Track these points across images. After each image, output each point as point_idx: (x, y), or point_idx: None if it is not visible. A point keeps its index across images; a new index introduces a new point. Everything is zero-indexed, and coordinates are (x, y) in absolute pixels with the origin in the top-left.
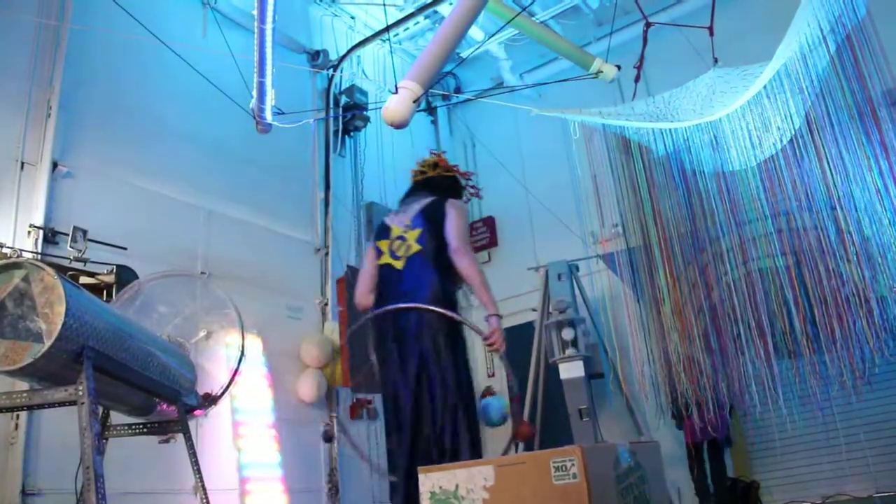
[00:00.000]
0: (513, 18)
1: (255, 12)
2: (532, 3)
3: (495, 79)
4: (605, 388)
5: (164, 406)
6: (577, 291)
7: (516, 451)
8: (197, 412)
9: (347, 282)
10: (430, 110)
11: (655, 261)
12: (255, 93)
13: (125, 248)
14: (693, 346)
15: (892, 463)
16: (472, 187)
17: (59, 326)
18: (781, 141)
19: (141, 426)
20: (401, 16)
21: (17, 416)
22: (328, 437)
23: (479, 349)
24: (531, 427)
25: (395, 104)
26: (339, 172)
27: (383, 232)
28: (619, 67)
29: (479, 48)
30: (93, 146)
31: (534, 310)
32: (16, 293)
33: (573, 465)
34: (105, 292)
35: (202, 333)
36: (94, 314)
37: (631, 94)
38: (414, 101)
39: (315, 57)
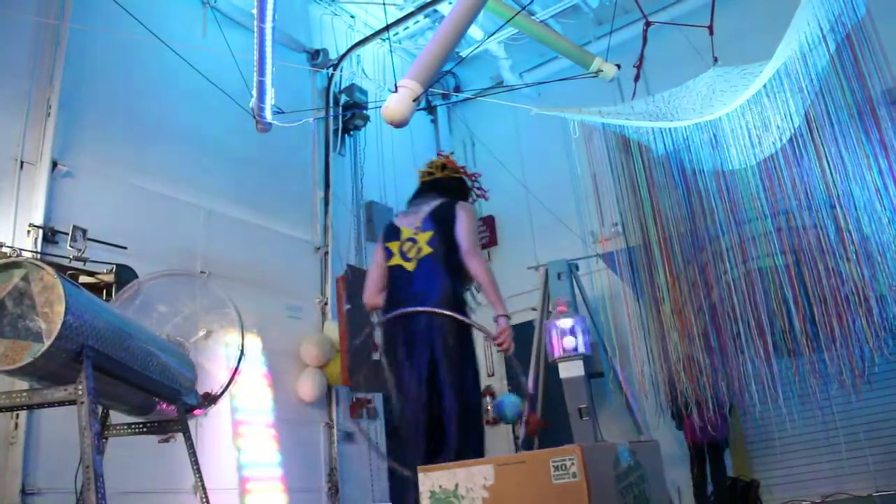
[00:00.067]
0: (512, 17)
1: (254, 11)
2: (531, 3)
3: (495, 78)
4: (605, 388)
5: (164, 405)
6: (576, 290)
7: (530, 444)
8: (197, 411)
9: (347, 281)
10: (430, 109)
11: (655, 260)
12: (254, 92)
13: (125, 248)
14: (693, 346)
15: (891, 462)
16: (479, 188)
17: (58, 326)
18: (781, 140)
19: (141, 425)
20: (400, 15)
21: (17, 416)
22: (351, 439)
23: (480, 349)
24: (541, 420)
25: (395, 103)
26: (338, 171)
27: (393, 233)
28: (618, 66)
29: (478, 47)
30: (92, 145)
31: (533, 309)
32: (15, 292)
33: (573, 464)
34: (105, 292)
35: (202, 333)
36: (94, 313)
37: (631, 94)
38: (414, 100)
39: (315, 56)
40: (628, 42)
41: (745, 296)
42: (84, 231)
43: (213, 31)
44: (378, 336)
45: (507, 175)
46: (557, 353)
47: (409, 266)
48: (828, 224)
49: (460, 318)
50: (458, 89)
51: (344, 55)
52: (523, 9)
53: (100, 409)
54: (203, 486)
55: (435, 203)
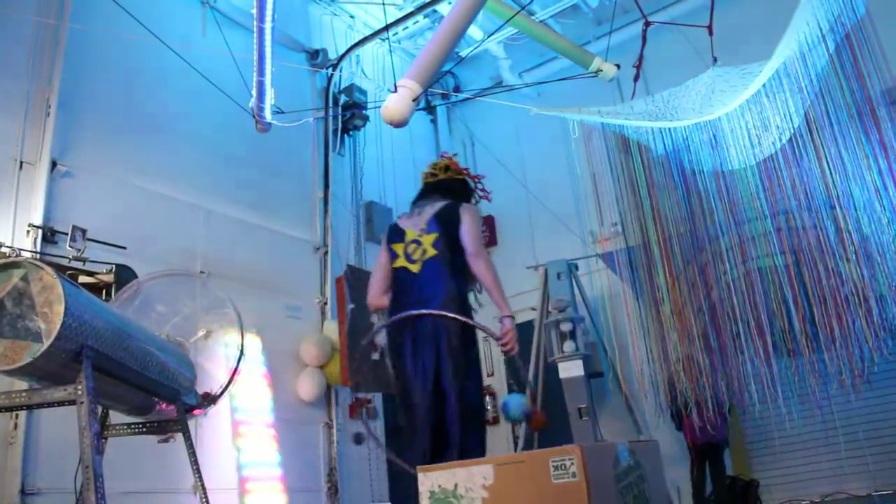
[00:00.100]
0: (512, 17)
1: (254, 11)
2: (531, 2)
3: (494, 78)
4: (605, 387)
5: (164, 405)
6: (576, 290)
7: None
8: (196, 411)
9: (348, 281)
10: (430, 109)
11: (655, 260)
12: (254, 92)
13: (124, 248)
14: (692, 346)
15: (890, 461)
16: (482, 190)
17: (58, 326)
18: (780, 140)
19: (140, 425)
20: (400, 15)
21: (17, 416)
22: (360, 440)
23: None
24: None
25: (395, 103)
26: (338, 171)
27: (397, 235)
28: (618, 66)
29: (478, 47)
30: (92, 145)
31: (533, 309)
32: (15, 292)
33: (572, 463)
34: (104, 291)
35: (201, 333)
36: (94, 313)
37: (630, 94)
38: (413, 100)
39: (314, 56)
40: (628, 42)
41: (745, 296)
42: (83, 231)
43: (213, 31)
44: (379, 337)
45: (507, 175)
46: None
47: (415, 268)
48: (827, 224)
49: (465, 320)
50: (457, 89)
51: (343, 55)
52: (523, 8)
53: (99, 409)
54: (203, 486)
55: (439, 205)
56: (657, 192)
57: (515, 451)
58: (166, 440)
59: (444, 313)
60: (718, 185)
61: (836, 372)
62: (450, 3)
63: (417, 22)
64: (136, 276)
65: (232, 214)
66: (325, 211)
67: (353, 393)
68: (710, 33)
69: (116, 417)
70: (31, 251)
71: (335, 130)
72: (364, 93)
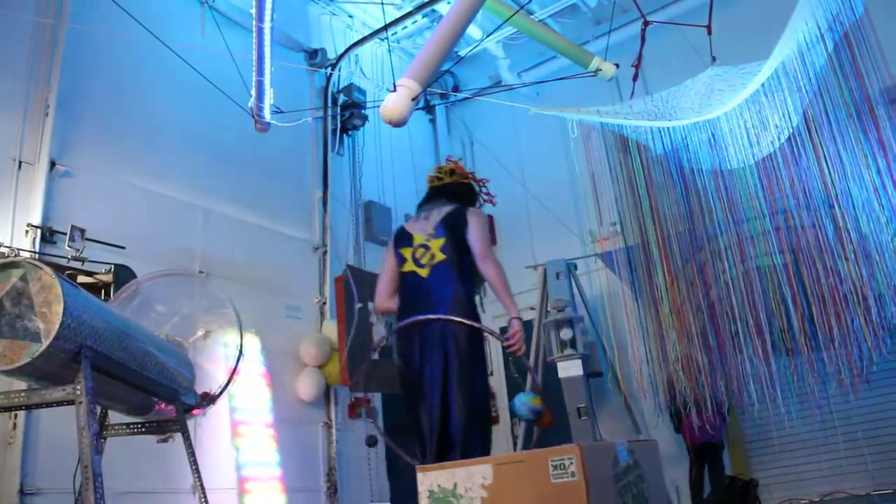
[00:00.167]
0: (511, 16)
1: (253, 11)
2: (530, 2)
3: (493, 77)
4: (604, 387)
5: (163, 405)
6: (575, 290)
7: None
8: (195, 411)
9: (352, 280)
10: (429, 109)
11: (654, 259)
12: (253, 91)
13: (123, 248)
14: (691, 345)
15: (890, 461)
16: (487, 194)
17: (56, 326)
18: (779, 139)
19: (139, 425)
20: (399, 14)
21: (15, 416)
22: (372, 443)
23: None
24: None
25: (394, 102)
26: (337, 171)
27: (405, 239)
28: (617, 66)
29: (477, 46)
30: (91, 145)
31: (532, 308)
32: (14, 292)
33: (571, 463)
34: (103, 291)
35: (200, 333)
36: (93, 313)
37: (629, 93)
38: (412, 100)
39: (313, 55)
40: (627, 42)
41: (744, 295)
42: (82, 231)
43: (212, 31)
44: (377, 334)
45: (506, 174)
46: None
47: (423, 272)
48: (826, 223)
49: (473, 324)
50: (456, 89)
51: (342, 55)
52: (522, 8)
53: (98, 408)
54: (202, 485)
55: (446, 209)
56: (656, 192)
57: (515, 450)
58: (165, 440)
59: (454, 318)
60: (717, 185)
61: (835, 371)
62: (449, 2)
63: (416, 21)
64: (134, 276)
65: (231, 214)
66: (324, 210)
67: (352, 392)
68: (709, 32)
69: (115, 417)
70: (29, 251)
71: (334, 130)
72: (363, 92)
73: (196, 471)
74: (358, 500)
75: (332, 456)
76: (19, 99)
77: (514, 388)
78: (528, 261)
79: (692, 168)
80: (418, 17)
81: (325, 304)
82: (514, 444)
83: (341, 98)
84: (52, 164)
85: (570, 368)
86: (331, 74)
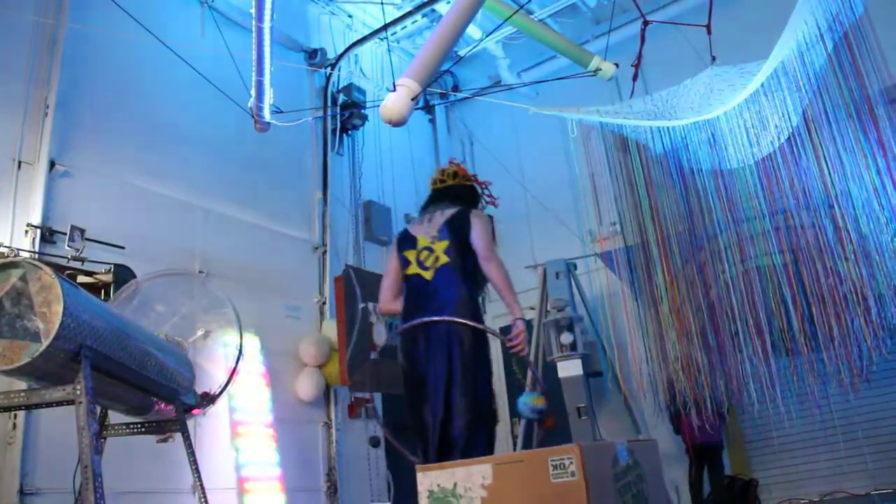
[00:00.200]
0: (511, 16)
1: (253, 11)
2: (529, 2)
3: (493, 77)
4: (604, 387)
5: (162, 405)
6: (575, 290)
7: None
8: (195, 411)
9: (347, 281)
10: (428, 109)
11: (653, 259)
12: (253, 91)
13: (123, 248)
14: (691, 345)
15: (889, 460)
16: (489, 195)
17: (56, 326)
18: (779, 139)
19: (139, 425)
20: (398, 14)
21: (15, 416)
22: (376, 443)
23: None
24: (552, 418)
25: (394, 102)
26: (336, 171)
27: (408, 242)
28: (617, 65)
29: (476, 46)
30: (90, 145)
31: (532, 308)
32: (13, 292)
33: (571, 463)
34: (103, 291)
35: (200, 332)
36: (92, 313)
37: (629, 93)
38: (412, 99)
39: (313, 55)
40: (626, 41)
41: (744, 295)
42: (82, 231)
43: (212, 31)
44: (380, 338)
45: (506, 174)
46: None
47: (428, 275)
48: (826, 223)
49: (477, 325)
50: (456, 89)
51: (342, 55)
52: (521, 7)
53: (98, 408)
54: (201, 485)
55: (449, 212)
56: (656, 192)
57: (514, 450)
58: (165, 440)
59: (458, 320)
60: (717, 184)
61: (835, 371)
62: (448, 2)
63: (416, 21)
64: (134, 276)
65: (230, 214)
66: (324, 210)
67: (352, 392)
68: (709, 32)
69: (115, 417)
70: (29, 251)
71: (334, 130)
72: (362, 92)
73: (196, 471)
74: (358, 500)
75: (331, 456)
76: (19, 99)
77: (512, 388)
78: (528, 261)
79: (692, 168)
80: (418, 16)
81: (324, 303)
82: (514, 444)
83: (341, 98)
84: (52, 164)
85: (569, 368)
86: (330, 74)
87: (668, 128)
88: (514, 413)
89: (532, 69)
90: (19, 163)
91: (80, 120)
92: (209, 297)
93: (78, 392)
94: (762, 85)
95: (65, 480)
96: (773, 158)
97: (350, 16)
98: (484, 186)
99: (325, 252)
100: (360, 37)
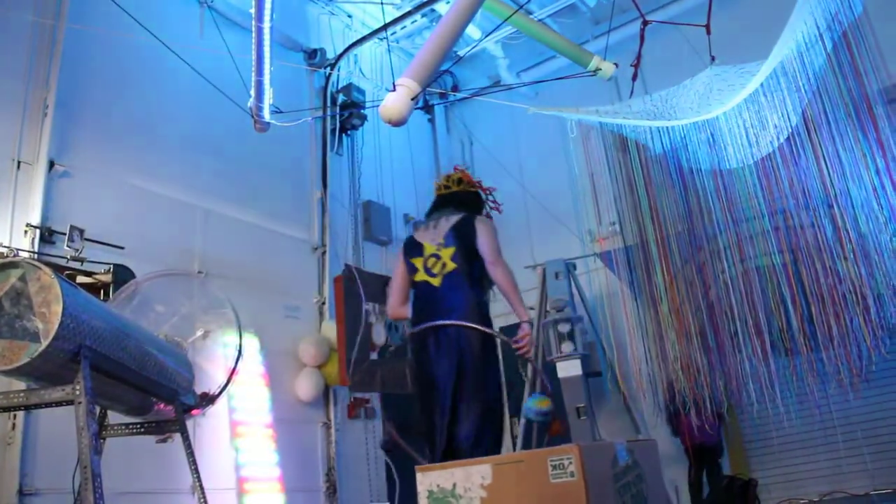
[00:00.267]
0: (510, 16)
1: (252, 11)
2: (529, 2)
3: (492, 77)
4: (603, 387)
5: (162, 405)
6: (574, 290)
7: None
8: (194, 411)
9: (348, 281)
10: (428, 109)
11: (653, 259)
12: (252, 91)
13: (122, 248)
14: (690, 345)
15: (889, 460)
16: (493, 201)
17: (56, 326)
18: (778, 139)
19: (138, 426)
20: (398, 14)
21: (15, 416)
22: (388, 446)
23: None
24: (561, 424)
25: (393, 102)
26: (336, 171)
27: (415, 249)
28: (616, 65)
29: (476, 46)
30: (89, 145)
31: (531, 308)
32: (13, 292)
33: (570, 463)
34: (102, 291)
35: (199, 333)
36: (92, 313)
37: (628, 93)
38: (412, 99)
39: (312, 55)
40: (626, 41)
41: (743, 295)
42: (81, 231)
43: (211, 31)
44: (377, 334)
45: (505, 174)
46: None
47: (435, 281)
48: (825, 223)
49: (483, 329)
50: (455, 89)
51: (341, 55)
52: (521, 7)
53: (97, 409)
54: (201, 486)
55: (454, 218)
56: (655, 192)
57: (514, 450)
58: (164, 440)
59: (467, 324)
60: (716, 184)
61: (834, 371)
62: (448, 2)
63: (415, 21)
64: (134, 276)
65: (230, 214)
66: (323, 210)
67: (351, 392)
68: (708, 32)
69: (114, 417)
70: (28, 251)
71: (333, 130)
72: (362, 92)
73: (195, 471)
74: (357, 500)
75: (331, 456)
76: (18, 99)
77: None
78: (528, 261)
79: (691, 168)
80: (417, 16)
81: (324, 304)
82: (514, 444)
83: (340, 98)
84: (51, 164)
85: (569, 368)
86: (330, 74)
87: (667, 128)
88: (513, 412)
89: (531, 69)
90: (18, 163)
91: (80, 120)
92: (208, 298)
93: (77, 392)
94: (761, 85)
95: (64, 481)
96: (772, 158)
97: (349, 16)
98: (488, 192)
99: (324, 252)
100: (359, 37)
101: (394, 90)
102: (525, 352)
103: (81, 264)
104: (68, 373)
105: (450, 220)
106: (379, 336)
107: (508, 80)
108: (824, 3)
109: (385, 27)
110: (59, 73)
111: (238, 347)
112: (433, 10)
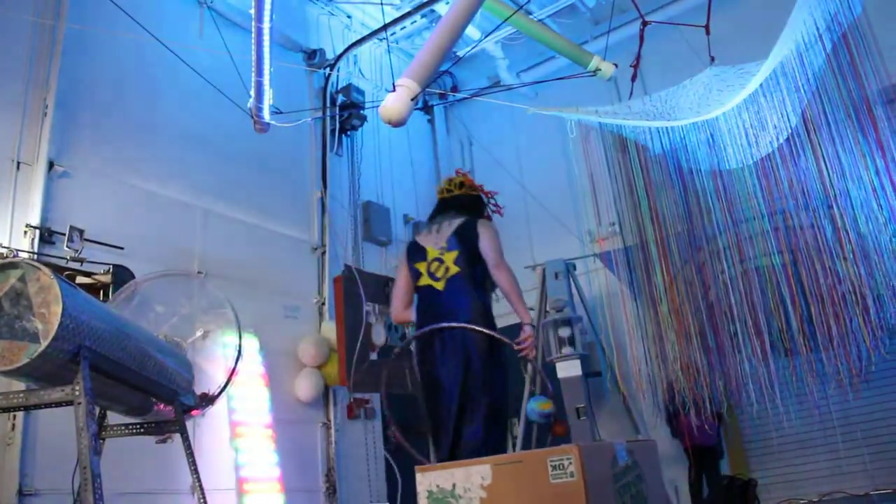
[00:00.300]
0: (510, 16)
1: (252, 11)
2: (529, 2)
3: (492, 77)
4: (603, 387)
5: (161, 406)
6: (574, 290)
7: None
8: (194, 412)
9: (348, 281)
10: (427, 109)
11: (652, 259)
12: (252, 92)
13: (122, 248)
14: (690, 345)
15: (889, 460)
16: (495, 205)
17: (55, 326)
18: (778, 139)
19: (138, 426)
20: (398, 15)
21: (14, 417)
22: (394, 449)
23: None
24: (564, 425)
25: (393, 102)
26: (335, 171)
27: (419, 253)
28: (616, 65)
29: (475, 47)
30: (89, 145)
31: (531, 309)
32: (12, 293)
33: (570, 463)
34: (102, 292)
35: (199, 333)
36: (91, 314)
37: (628, 93)
38: (412, 100)
39: (312, 56)
40: (625, 42)
41: (743, 295)
42: (81, 231)
43: (211, 32)
44: (376, 334)
45: (505, 175)
46: None
47: (439, 285)
48: (825, 223)
49: (485, 331)
50: (455, 89)
51: (341, 55)
52: (520, 8)
53: (97, 409)
54: (200, 486)
55: (457, 222)
56: (654, 192)
57: (514, 450)
58: (164, 441)
59: (470, 327)
60: (716, 185)
61: (834, 371)
62: (448, 2)
63: (415, 22)
64: (133, 277)
65: (229, 214)
66: (323, 211)
67: (351, 393)
68: (708, 33)
69: (114, 418)
70: (28, 252)
71: (333, 130)
72: (362, 93)
73: (195, 471)
74: (356, 501)
75: (330, 456)
76: (18, 99)
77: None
78: (527, 261)
79: (691, 168)
80: (417, 17)
81: (323, 304)
82: (513, 445)
83: (340, 98)
84: (51, 165)
85: (568, 368)
86: (329, 75)
87: (667, 128)
88: (512, 412)
89: (531, 69)
90: (18, 163)
91: (79, 120)
92: (208, 298)
93: (77, 393)
94: (761, 85)
95: (64, 481)
96: (771, 159)
97: (349, 16)
98: (490, 196)
99: (324, 252)
100: (359, 37)
101: (393, 91)
102: (527, 353)
103: (81, 265)
104: (68, 373)
105: (452, 224)
106: (379, 336)
107: (508, 80)
108: (824, 4)
109: (385, 28)
110: (59, 74)
111: (238, 348)
112: (433, 11)
